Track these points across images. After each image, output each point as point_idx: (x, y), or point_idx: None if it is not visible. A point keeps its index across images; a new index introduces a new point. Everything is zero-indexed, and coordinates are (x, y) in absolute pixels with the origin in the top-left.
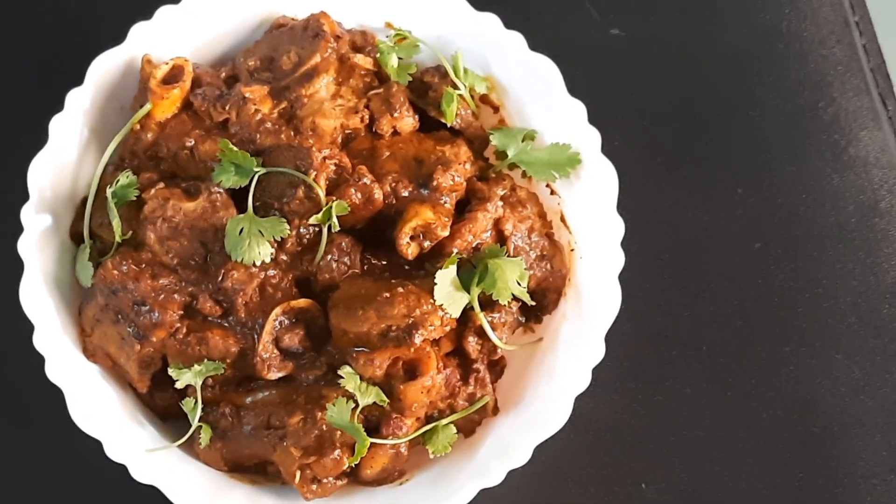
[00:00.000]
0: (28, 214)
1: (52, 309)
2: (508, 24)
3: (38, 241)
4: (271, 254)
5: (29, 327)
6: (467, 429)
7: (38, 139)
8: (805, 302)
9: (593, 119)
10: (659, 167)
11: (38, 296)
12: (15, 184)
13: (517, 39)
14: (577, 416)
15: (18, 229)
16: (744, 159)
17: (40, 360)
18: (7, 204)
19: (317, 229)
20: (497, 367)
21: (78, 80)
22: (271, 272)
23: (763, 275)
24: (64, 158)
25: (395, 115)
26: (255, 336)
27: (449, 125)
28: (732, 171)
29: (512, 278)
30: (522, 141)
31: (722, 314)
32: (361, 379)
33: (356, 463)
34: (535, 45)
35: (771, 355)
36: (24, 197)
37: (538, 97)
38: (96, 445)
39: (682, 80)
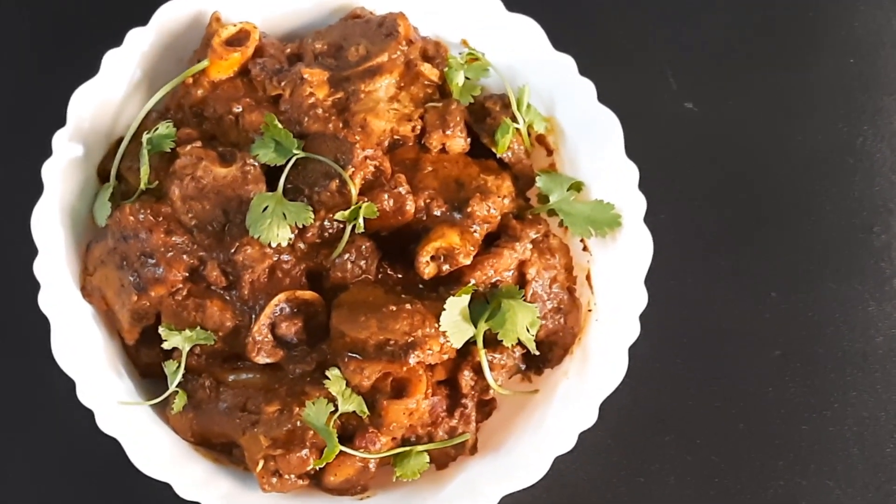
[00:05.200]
0: (60, 140)
1: (61, 239)
2: (584, 71)
3: (63, 169)
4: (290, 239)
5: (34, 252)
6: (441, 461)
7: (91, 71)
8: (811, 421)
9: (644, 187)
10: (698, 251)
11: (49, 222)
12: (59, 110)
13: (588, 88)
14: (555, 477)
15: (48, 154)
16: (785, 264)
17: (36, 287)
18: (46, 128)
19: (341, 226)
20: (486, 407)
21: (143, 21)
22: (285, 257)
23: (775, 384)
24: (110, 94)
25: (448, 132)
26: (253, 316)
27: (498, 156)
28: (771, 273)
29: (522, 323)
30: (567, 190)
31: (725, 412)
32: (347, 385)
33: (321, 467)
34: (604, 98)
35: (763, 465)
36: (64, 124)
37: (594, 150)
38: (70, 385)
39: (743, 170)
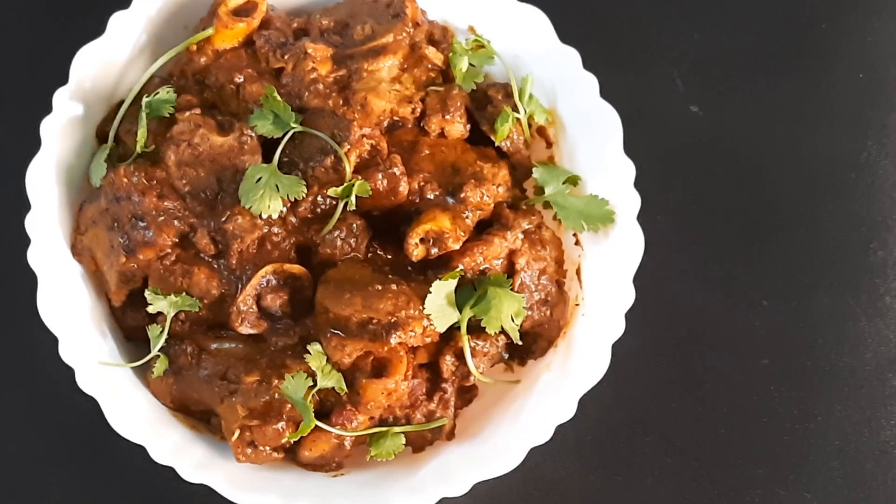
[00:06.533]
0: (61, 98)
1: (55, 196)
2: (590, 66)
3: (62, 127)
4: (281, 211)
5: (26, 207)
6: (417, 444)
7: (96, 31)
8: (793, 432)
9: (644, 186)
10: (692, 254)
11: (45, 179)
12: (62, 68)
13: (590, 82)
14: (531, 469)
15: (48, 111)
16: (779, 274)
17: (26, 242)
18: (48, 85)
19: (333, 202)
20: (467, 394)
21: None
22: (275, 229)
23: (760, 392)
24: (114, 56)
25: (448, 117)
26: (240, 286)
27: (497, 144)
28: (764, 282)
29: (507, 312)
30: (563, 183)
31: (707, 417)
32: (328, 361)
33: (296, 441)
34: (609, 95)
35: (742, 473)
36: (66, 82)
37: (593, 145)
38: (52, 342)
39: (744, 177)
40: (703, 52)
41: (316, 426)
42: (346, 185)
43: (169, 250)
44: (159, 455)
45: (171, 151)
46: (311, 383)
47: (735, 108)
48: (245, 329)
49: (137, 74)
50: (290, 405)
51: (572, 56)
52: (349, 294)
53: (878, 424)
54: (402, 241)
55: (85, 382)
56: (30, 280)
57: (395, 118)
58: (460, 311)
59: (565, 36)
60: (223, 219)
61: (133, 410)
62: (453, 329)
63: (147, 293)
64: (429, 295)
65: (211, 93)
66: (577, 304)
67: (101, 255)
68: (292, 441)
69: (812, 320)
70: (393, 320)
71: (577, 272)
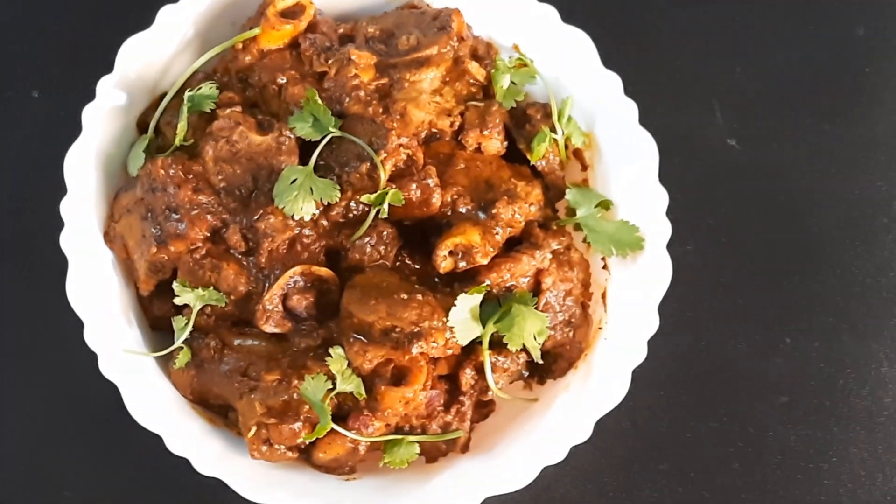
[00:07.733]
0: (104, 86)
1: (92, 182)
2: (631, 92)
3: (104, 115)
4: (314, 214)
5: (63, 191)
6: (431, 454)
7: (145, 23)
8: (806, 471)
9: (676, 215)
10: (719, 286)
11: (83, 165)
12: (109, 57)
13: (630, 108)
14: (543, 488)
15: (92, 98)
16: (803, 312)
17: (60, 226)
18: (94, 73)
19: (366, 209)
20: (484, 408)
21: None
22: (307, 231)
23: (776, 429)
24: (160, 49)
25: (486, 132)
26: (267, 285)
27: (532, 163)
28: (788, 319)
29: (530, 330)
30: (596, 206)
31: (722, 450)
32: (348, 365)
33: (311, 442)
34: (647, 122)
35: None
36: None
37: (628, 171)
38: (78, 327)
39: (776, 214)
40: (745, 87)
41: (332, 429)
42: (379, 192)
43: (200, 244)
44: (175, 446)
45: (209, 147)
46: (331, 386)
47: (772, 145)
48: (269, 328)
49: (182, 68)
50: (307, 406)
51: (614, 81)
52: (374, 301)
53: (893, 470)
54: (431, 252)
55: (107, 368)
56: (60, 263)
57: (434, 130)
58: (483, 326)
59: (608, 60)
60: (256, 217)
61: (153, 400)
62: (475, 343)
63: (175, 285)
64: (453, 307)
65: (253, 92)
66: (600, 328)
67: (133, 243)
68: (307, 442)
69: (834, 361)
70: (416, 330)
71: (603, 296)
